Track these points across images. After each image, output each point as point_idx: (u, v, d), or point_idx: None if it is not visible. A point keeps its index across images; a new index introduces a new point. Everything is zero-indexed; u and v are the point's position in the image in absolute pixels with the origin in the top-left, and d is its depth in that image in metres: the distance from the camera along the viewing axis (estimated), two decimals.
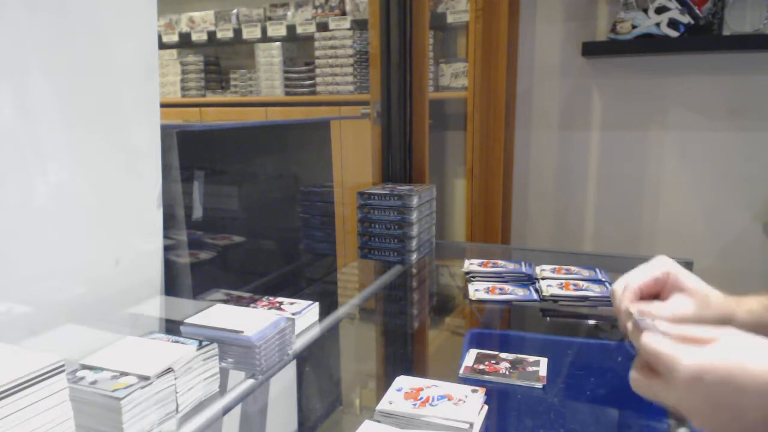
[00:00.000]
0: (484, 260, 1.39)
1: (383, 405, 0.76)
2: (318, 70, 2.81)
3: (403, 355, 1.16)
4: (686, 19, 1.93)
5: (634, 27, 2.00)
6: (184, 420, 0.69)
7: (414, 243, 1.42)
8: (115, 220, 0.81)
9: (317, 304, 1.00)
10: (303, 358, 0.94)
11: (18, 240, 0.67)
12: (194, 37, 3.16)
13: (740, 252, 2.11)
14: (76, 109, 0.73)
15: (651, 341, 0.50)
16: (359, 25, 2.76)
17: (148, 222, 0.87)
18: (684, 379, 0.47)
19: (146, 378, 0.64)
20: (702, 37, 1.98)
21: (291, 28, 2.93)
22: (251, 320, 0.81)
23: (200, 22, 3.16)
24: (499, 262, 1.37)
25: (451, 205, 2.66)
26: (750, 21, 1.93)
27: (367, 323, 1.29)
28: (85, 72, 0.74)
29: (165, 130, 0.88)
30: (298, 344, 0.91)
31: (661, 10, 1.96)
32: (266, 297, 1.01)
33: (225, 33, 3.07)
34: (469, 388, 0.80)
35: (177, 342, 0.74)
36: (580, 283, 1.24)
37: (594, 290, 1.19)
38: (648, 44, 2.01)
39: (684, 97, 2.10)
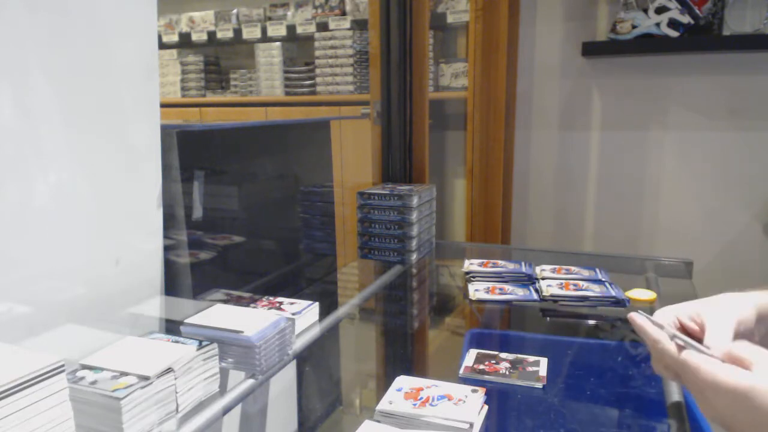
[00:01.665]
0: (484, 260, 1.39)
1: (383, 405, 0.76)
2: (318, 70, 2.81)
3: (403, 355, 1.16)
4: (686, 19, 1.93)
5: (634, 27, 2.00)
6: (184, 420, 0.69)
7: (414, 243, 1.42)
8: (115, 220, 0.81)
9: (317, 304, 1.00)
10: (303, 358, 0.94)
11: (18, 240, 0.67)
12: (194, 37, 3.16)
13: (740, 252, 2.11)
14: (76, 109, 0.73)
15: (691, 358, 0.54)
16: (359, 25, 2.76)
17: (148, 222, 0.87)
18: (726, 396, 0.50)
19: (146, 378, 0.64)
20: (702, 37, 1.98)
21: (291, 28, 2.93)
22: (251, 320, 0.81)
23: (200, 22, 3.16)
24: (499, 262, 1.37)
25: (451, 205, 2.66)
26: (750, 21, 1.93)
27: (367, 323, 1.29)
28: (85, 72, 0.74)
29: (165, 130, 0.88)
30: (298, 344, 0.91)
31: (661, 10, 1.96)
32: (266, 297, 1.01)
33: (225, 33, 3.07)
34: (469, 388, 0.80)
35: (177, 342, 0.74)
36: (580, 283, 1.24)
37: (594, 290, 1.19)
38: (648, 44, 2.01)
39: (684, 97, 2.10)
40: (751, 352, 0.52)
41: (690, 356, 0.54)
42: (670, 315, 0.64)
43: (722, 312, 0.62)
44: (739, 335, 0.60)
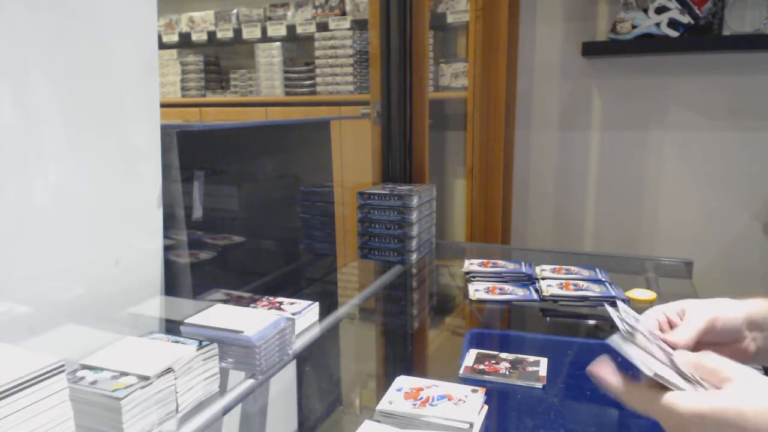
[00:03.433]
0: (484, 260, 1.39)
1: (383, 405, 0.76)
2: (318, 70, 2.81)
3: (403, 355, 1.16)
4: (686, 19, 1.93)
5: (634, 27, 2.00)
6: (184, 420, 0.69)
7: (414, 243, 1.42)
8: (115, 220, 0.81)
9: (317, 304, 1.00)
10: (303, 358, 0.94)
11: (18, 240, 0.67)
12: (194, 37, 3.16)
13: (740, 252, 2.11)
14: (76, 109, 0.73)
15: (666, 400, 0.51)
16: (359, 25, 2.76)
17: (148, 222, 0.87)
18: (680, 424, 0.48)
19: (146, 378, 0.64)
20: (702, 37, 1.98)
21: (291, 28, 2.93)
22: (251, 320, 0.81)
23: (200, 22, 3.16)
24: (499, 262, 1.37)
25: (451, 205, 2.66)
26: (750, 21, 1.93)
27: (367, 323, 1.29)
28: (85, 72, 0.74)
29: (165, 130, 0.88)
30: (298, 344, 0.91)
31: (661, 10, 1.96)
32: (266, 297, 1.01)
33: (225, 33, 3.07)
34: (469, 388, 0.80)
35: (177, 342, 0.74)
36: (580, 283, 1.24)
37: (594, 290, 1.19)
38: (648, 44, 2.01)
39: (684, 97, 2.10)
40: (724, 364, 0.51)
41: (665, 399, 0.51)
42: (657, 313, 0.66)
43: (702, 308, 0.64)
44: (718, 332, 0.62)
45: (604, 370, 0.56)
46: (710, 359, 0.52)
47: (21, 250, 0.68)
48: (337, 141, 1.56)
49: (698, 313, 0.63)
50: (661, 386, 0.51)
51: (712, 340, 0.63)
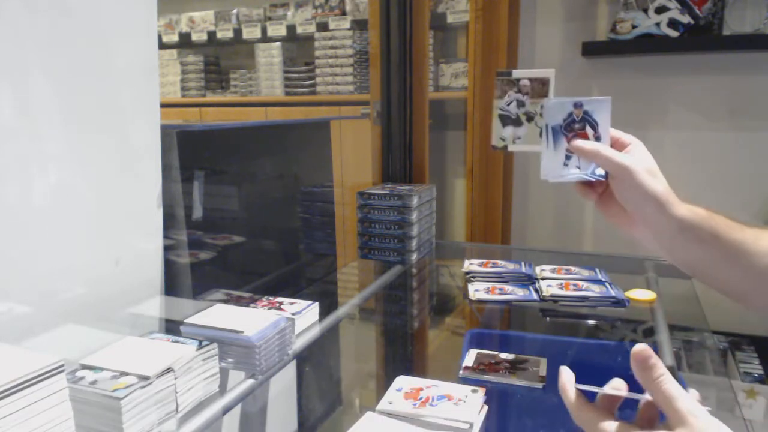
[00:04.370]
0: (484, 260, 1.39)
1: (383, 405, 0.76)
2: (318, 70, 2.81)
3: (403, 355, 1.16)
4: (686, 19, 1.93)
5: (634, 27, 2.00)
6: (184, 420, 0.69)
7: (414, 243, 1.42)
8: (115, 220, 0.81)
9: (317, 304, 1.00)
10: (303, 358, 0.94)
11: (18, 240, 0.67)
12: (194, 37, 3.16)
13: None
14: (76, 109, 0.73)
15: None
16: (359, 25, 2.76)
17: (148, 222, 0.87)
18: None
19: (146, 378, 0.64)
20: (702, 37, 1.98)
21: (291, 28, 2.93)
22: (251, 320, 0.81)
23: (200, 22, 3.16)
24: (499, 262, 1.37)
25: (451, 205, 2.66)
26: (750, 21, 1.93)
27: (367, 323, 1.29)
28: (85, 72, 0.74)
29: (165, 130, 0.88)
30: (298, 344, 0.91)
31: (661, 10, 1.96)
32: (266, 297, 1.01)
33: (225, 33, 3.07)
34: (469, 388, 0.80)
35: (177, 342, 0.74)
36: (580, 283, 1.24)
37: (594, 290, 1.19)
38: (648, 44, 2.01)
39: (684, 97, 2.10)
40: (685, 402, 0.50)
41: (603, 426, 0.51)
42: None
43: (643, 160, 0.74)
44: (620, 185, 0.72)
45: (567, 382, 0.59)
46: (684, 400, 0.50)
47: (21, 250, 0.68)
48: (337, 141, 1.56)
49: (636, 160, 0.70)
50: (608, 413, 0.53)
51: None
